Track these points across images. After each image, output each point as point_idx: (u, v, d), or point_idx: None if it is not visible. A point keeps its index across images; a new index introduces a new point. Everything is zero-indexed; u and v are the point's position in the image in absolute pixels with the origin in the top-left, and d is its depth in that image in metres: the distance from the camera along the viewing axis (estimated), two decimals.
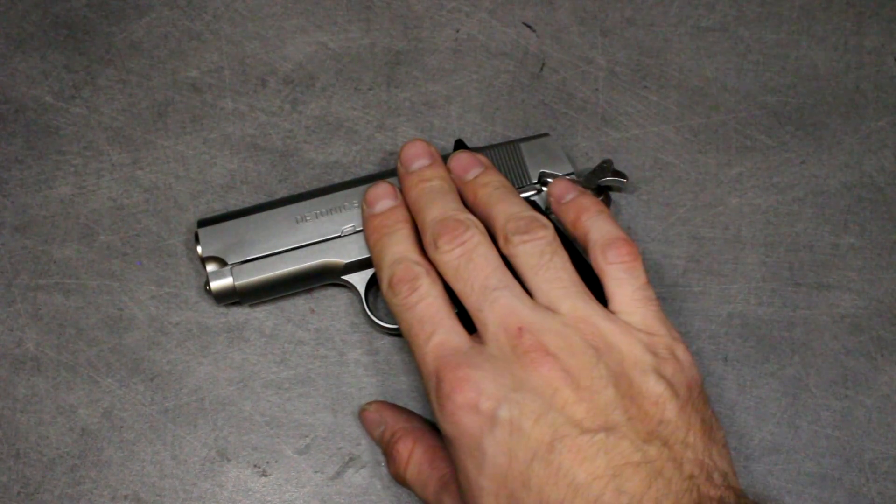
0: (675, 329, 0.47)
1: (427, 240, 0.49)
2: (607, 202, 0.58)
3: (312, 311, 0.59)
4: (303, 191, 0.58)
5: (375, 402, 0.56)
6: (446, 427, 0.44)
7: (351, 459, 0.56)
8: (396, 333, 0.58)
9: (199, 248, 0.56)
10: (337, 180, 0.60)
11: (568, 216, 0.52)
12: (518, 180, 0.57)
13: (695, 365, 0.47)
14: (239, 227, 0.56)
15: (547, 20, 0.64)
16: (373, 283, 0.57)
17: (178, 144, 0.62)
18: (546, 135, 0.59)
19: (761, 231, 0.60)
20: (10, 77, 0.63)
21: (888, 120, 0.63)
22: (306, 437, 0.56)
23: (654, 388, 0.44)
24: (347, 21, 0.64)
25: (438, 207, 0.50)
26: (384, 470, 0.56)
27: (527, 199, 0.57)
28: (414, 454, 0.51)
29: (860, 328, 0.58)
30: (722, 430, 0.46)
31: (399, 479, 0.52)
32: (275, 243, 0.56)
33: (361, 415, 0.55)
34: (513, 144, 0.58)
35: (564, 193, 0.53)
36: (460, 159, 0.54)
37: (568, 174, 0.57)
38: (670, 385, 0.44)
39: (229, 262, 0.55)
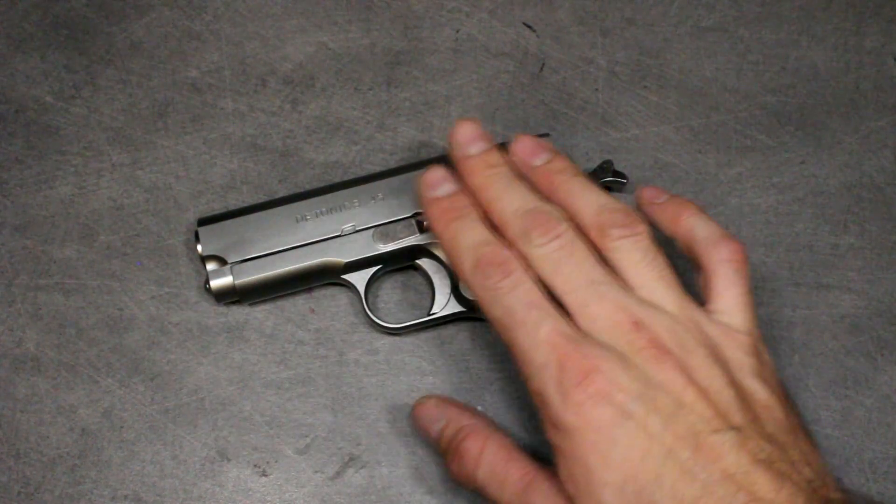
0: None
1: (513, 231, 0.47)
2: None
3: (312, 311, 0.59)
4: (303, 190, 0.58)
5: (433, 395, 0.53)
6: (569, 417, 0.42)
7: (351, 459, 0.56)
8: (396, 333, 0.58)
9: (199, 247, 0.56)
10: (337, 180, 0.60)
11: (665, 214, 0.50)
12: None
13: None
14: (239, 226, 0.56)
15: (547, 20, 0.64)
16: (372, 283, 0.57)
17: (178, 144, 0.62)
18: (546, 135, 0.59)
19: (761, 231, 0.60)
20: (10, 77, 0.63)
21: (888, 120, 0.63)
22: (306, 437, 0.56)
23: (761, 392, 0.44)
24: (347, 21, 0.64)
25: (517, 197, 0.48)
26: (384, 470, 0.56)
27: None
28: (486, 452, 0.48)
29: (860, 328, 0.58)
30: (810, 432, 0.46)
31: (465, 479, 0.49)
32: (275, 242, 0.56)
33: (416, 409, 0.53)
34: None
35: (656, 195, 0.51)
36: (525, 143, 0.51)
37: None
38: (773, 389, 0.44)
39: (229, 261, 0.55)
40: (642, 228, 0.47)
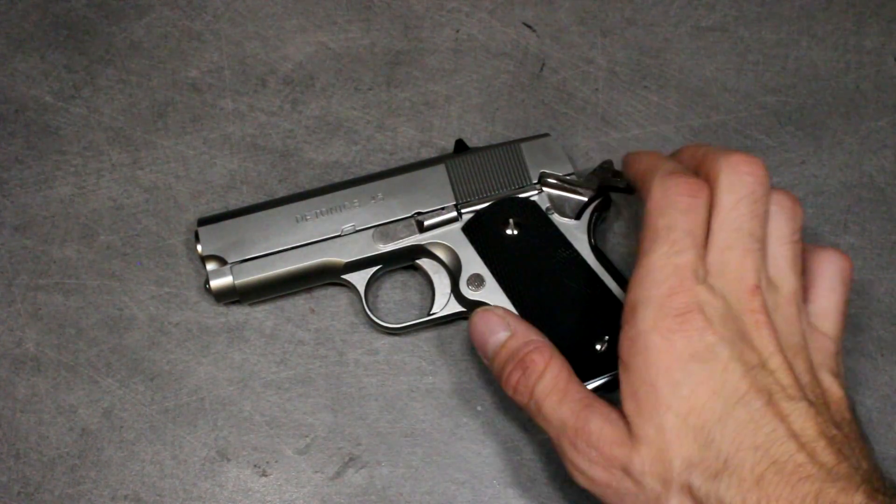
0: None
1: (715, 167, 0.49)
2: (607, 203, 0.58)
3: (312, 311, 0.59)
4: (303, 190, 0.58)
5: (497, 307, 0.53)
6: (654, 338, 0.44)
7: (351, 459, 0.56)
8: (396, 333, 0.58)
9: (199, 247, 0.56)
10: (337, 180, 0.60)
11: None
12: (518, 180, 0.57)
13: None
14: (239, 226, 0.56)
15: (547, 20, 0.64)
16: (372, 283, 0.57)
17: (178, 144, 0.62)
18: (546, 135, 0.59)
19: None
20: (10, 77, 0.63)
21: (888, 120, 0.63)
22: (306, 437, 0.56)
23: (836, 389, 0.46)
24: (347, 21, 0.64)
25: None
26: (384, 470, 0.56)
27: (526, 199, 0.57)
28: (551, 367, 0.49)
29: (860, 328, 0.58)
30: None
31: (522, 392, 0.49)
32: (275, 242, 0.56)
33: (479, 317, 0.52)
34: (513, 144, 0.58)
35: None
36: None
37: (568, 174, 0.57)
38: (845, 392, 0.47)
39: (229, 261, 0.55)
40: (802, 211, 0.49)
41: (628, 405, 0.45)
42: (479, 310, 0.53)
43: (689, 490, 0.43)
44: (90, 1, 0.64)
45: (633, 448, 0.44)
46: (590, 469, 0.46)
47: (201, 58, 0.63)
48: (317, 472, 0.56)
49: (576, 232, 0.56)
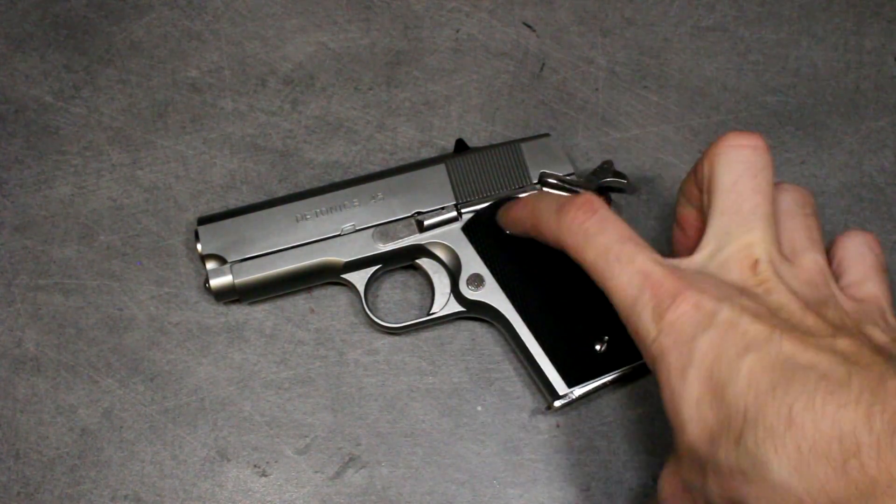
0: None
1: None
2: (608, 202, 0.58)
3: (312, 311, 0.58)
4: (303, 190, 0.58)
5: None
6: (662, 340, 0.42)
7: (351, 459, 0.56)
8: (396, 333, 0.58)
9: (198, 246, 0.56)
10: (337, 180, 0.60)
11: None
12: (518, 180, 0.57)
13: None
14: (239, 225, 0.56)
15: (547, 20, 0.64)
16: (372, 282, 0.57)
17: (178, 144, 0.62)
18: (547, 135, 0.59)
19: None
20: (10, 77, 0.63)
21: (888, 120, 0.63)
22: (306, 437, 0.56)
23: (881, 336, 0.43)
24: (347, 21, 0.64)
25: None
26: (384, 470, 0.56)
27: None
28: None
29: None
30: None
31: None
32: (275, 241, 0.56)
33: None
34: (513, 144, 0.58)
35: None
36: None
37: (568, 174, 0.57)
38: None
39: (229, 260, 0.55)
40: (810, 192, 0.48)
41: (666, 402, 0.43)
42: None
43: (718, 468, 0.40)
44: (90, 1, 0.64)
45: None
46: None
47: (201, 58, 0.63)
48: (317, 472, 0.56)
49: None
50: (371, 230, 0.56)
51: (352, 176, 0.60)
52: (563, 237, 0.47)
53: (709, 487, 0.41)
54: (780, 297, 0.42)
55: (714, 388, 0.41)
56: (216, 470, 0.56)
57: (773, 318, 0.41)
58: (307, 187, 0.59)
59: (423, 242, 0.56)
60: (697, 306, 0.42)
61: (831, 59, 0.64)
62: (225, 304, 0.58)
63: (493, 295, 0.55)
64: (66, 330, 0.58)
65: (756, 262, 0.43)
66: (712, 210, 0.46)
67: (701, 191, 0.47)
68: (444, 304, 0.57)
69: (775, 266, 0.44)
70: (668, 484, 0.45)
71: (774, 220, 0.45)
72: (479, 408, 0.57)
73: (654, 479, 0.55)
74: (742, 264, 0.44)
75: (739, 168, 0.45)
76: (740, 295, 0.42)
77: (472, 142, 0.61)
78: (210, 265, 0.56)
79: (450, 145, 0.60)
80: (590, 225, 0.46)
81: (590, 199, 0.47)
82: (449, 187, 0.57)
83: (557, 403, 0.54)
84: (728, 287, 0.43)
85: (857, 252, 0.47)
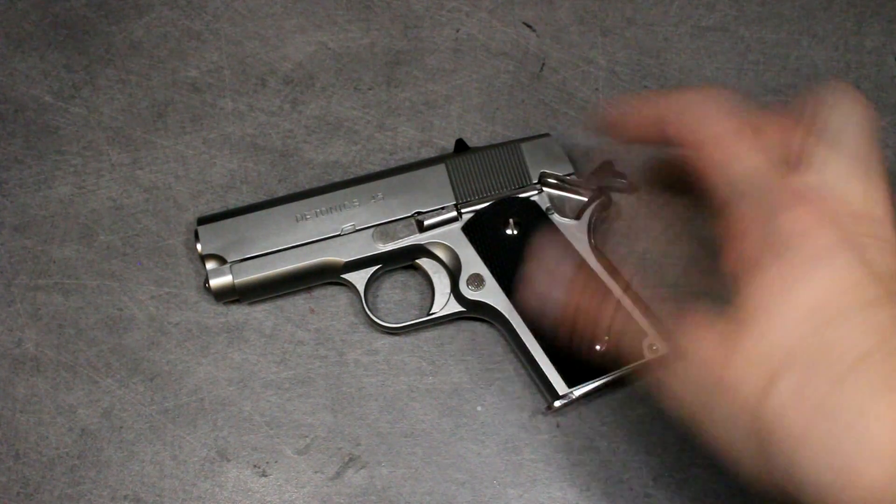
0: None
1: None
2: (607, 202, 0.58)
3: (312, 310, 0.58)
4: (303, 190, 0.58)
5: None
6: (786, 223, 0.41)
7: (351, 459, 0.56)
8: (396, 333, 0.58)
9: (198, 246, 0.56)
10: (337, 180, 0.60)
11: None
12: (518, 180, 0.57)
13: None
14: (239, 225, 0.56)
15: (547, 20, 0.64)
16: (372, 282, 0.57)
17: (178, 144, 0.62)
18: (547, 135, 0.59)
19: None
20: (9, 77, 0.63)
21: (888, 120, 0.63)
22: (306, 437, 0.56)
23: None
24: (347, 21, 0.64)
25: None
26: (384, 470, 0.56)
27: (526, 198, 0.57)
28: None
29: None
30: None
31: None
32: (274, 241, 0.56)
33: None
34: (513, 144, 0.58)
35: None
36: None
37: (568, 174, 0.57)
38: None
39: (229, 260, 0.56)
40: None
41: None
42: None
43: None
44: (90, 1, 0.64)
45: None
46: None
47: (201, 57, 0.63)
48: (317, 472, 0.56)
49: (576, 232, 0.56)
50: (371, 230, 0.56)
51: (352, 176, 0.60)
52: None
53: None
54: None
55: (826, 318, 0.39)
56: (216, 470, 0.56)
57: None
58: (307, 187, 0.59)
59: (423, 242, 0.56)
60: (834, 222, 0.41)
61: (831, 58, 0.64)
62: (225, 304, 0.58)
63: (493, 295, 0.55)
64: (66, 330, 0.58)
65: None
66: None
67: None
68: (444, 304, 0.57)
69: None
70: None
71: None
72: (480, 408, 0.57)
73: (654, 479, 0.55)
74: None
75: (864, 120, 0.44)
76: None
77: (472, 142, 0.61)
78: (210, 265, 0.56)
79: (450, 145, 0.60)
80: None
81: None
82: (449, 187, 0.57)
83: (557, 403, 0.54)
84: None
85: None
